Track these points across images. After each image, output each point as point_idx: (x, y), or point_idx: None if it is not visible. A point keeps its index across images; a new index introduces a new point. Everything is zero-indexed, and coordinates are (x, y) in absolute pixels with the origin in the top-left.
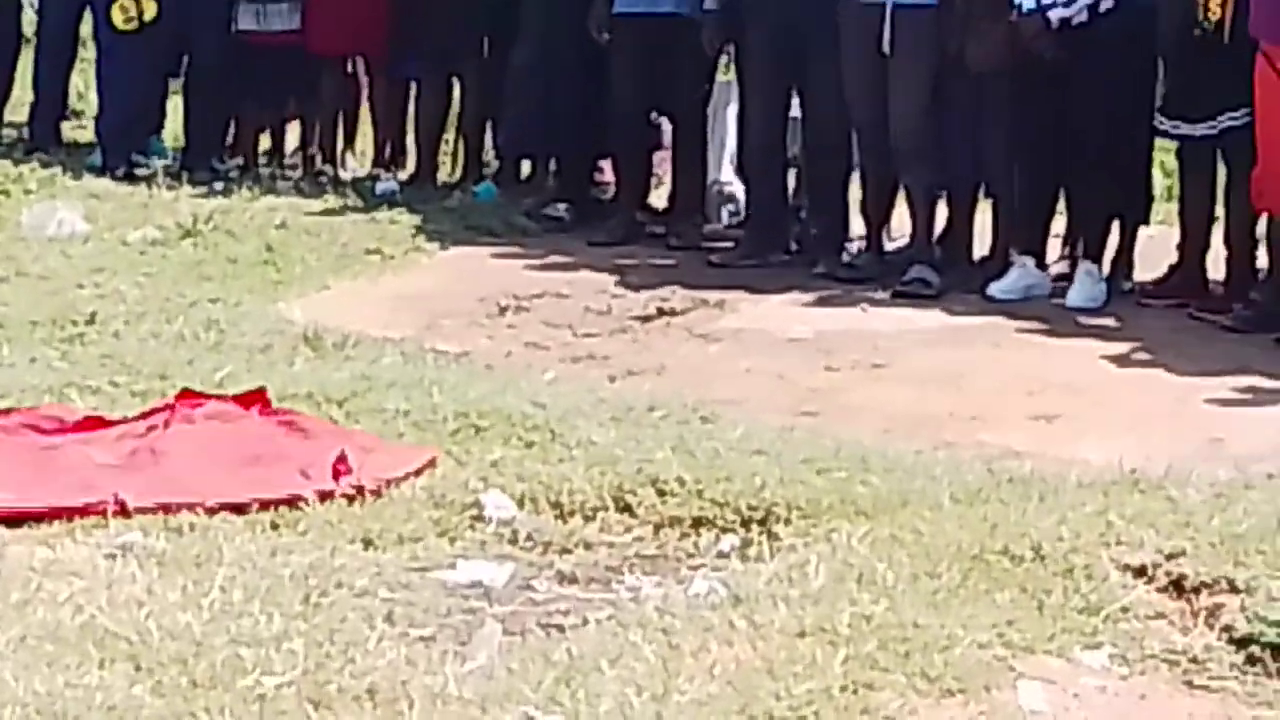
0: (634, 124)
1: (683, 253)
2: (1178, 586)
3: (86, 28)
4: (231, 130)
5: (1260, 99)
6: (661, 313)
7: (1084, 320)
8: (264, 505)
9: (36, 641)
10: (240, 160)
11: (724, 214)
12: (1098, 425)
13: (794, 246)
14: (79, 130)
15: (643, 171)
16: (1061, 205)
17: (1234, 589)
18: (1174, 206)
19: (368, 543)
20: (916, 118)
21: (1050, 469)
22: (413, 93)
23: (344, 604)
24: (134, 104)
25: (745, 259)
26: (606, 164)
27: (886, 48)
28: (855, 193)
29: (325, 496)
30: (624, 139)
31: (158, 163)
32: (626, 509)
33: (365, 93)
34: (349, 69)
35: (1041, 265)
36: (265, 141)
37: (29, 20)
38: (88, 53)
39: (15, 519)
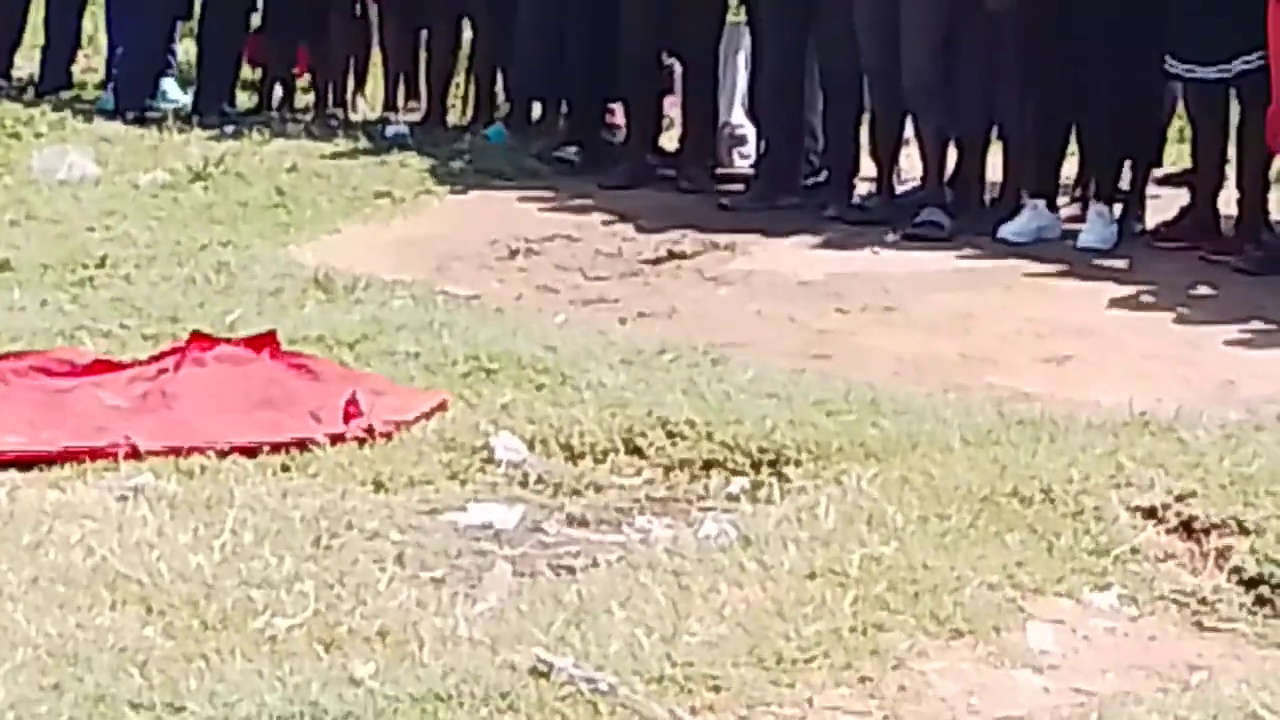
0: (644, 66)
1: (693, 196)
2: (1187, 528)
3: None
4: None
5: (1275, 42)
6: (672, 256)
7: (1095, 262)
8: (275, 448)
9: (48, 583)
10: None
11: (735, 157)
12: (1108, 367)
13: (810, 183)
14: (89, 73)
15: (653, 114)
16: (1073, 147)
17: (1244, 530)
18: (1186, 148)
19: (378, 485)
20: (927, 59)
21: (1060, 411)
22: (423, 36)
23: (355, 546)
24: (148, 47)
25: (756, 202)
26: (617, 107)
27: None
28: (866, 135)
29: (336, 439)
30: (634, 82)
31: (169, 105)
32: (636, 451)
33: (376, 35)
34: (359, 11)
35: (1053, 207)
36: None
37: None
38: None
39: (26, 461)
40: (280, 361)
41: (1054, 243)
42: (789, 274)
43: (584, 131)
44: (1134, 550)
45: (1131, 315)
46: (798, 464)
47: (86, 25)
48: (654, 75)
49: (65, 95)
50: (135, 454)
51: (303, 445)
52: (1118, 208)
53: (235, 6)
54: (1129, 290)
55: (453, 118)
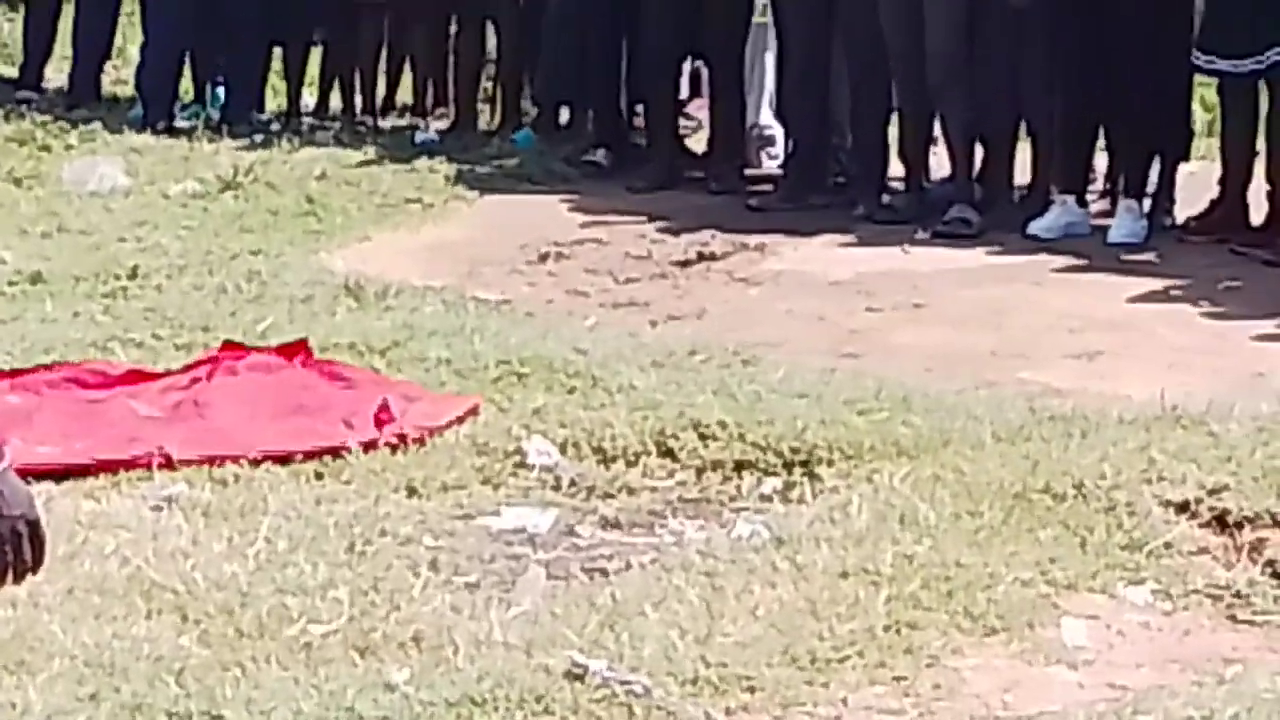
0: (663, 68)
1: (722, 197)
2: (1220, 521)
3: None
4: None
5: None
6: (702, 257)
7: (1125, 257)
8: (308, 455)
9: (84, 593)
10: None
11: (763, 157)
12: (1139, 362)
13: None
14: (119, 85)
15: (675, 116)
16: (1102, 142)
17: (1277, 523)
18: (1215, 142)
19: (412, 491)
20: (952, 54)
21: (1092, 406)
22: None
23: (388, 552)
24: (166, 60)
25: (785, 202)
26: None
27: None
28: (894, 134)
29: (369, 446)
30: (653, 83)
31: (200, 115)
32: (669, 453)
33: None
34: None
35: (1082, 202)
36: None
37: None
38: (127, 5)
39: (61, 472)
40: (312, 369)
41: (1083, 238)
42: (819, 273)
43: (612, 135)
44: (1167, 545)
45: (1161, 309)
46: (830, 463)
47: (117, 38)
48: (677, 78)
49: (95, 107)
50: (169, 464)
51: (336, 452)
52: (1147, 202)
53: (259, 16)
54: (1159, 284)
55: (481, 123)
